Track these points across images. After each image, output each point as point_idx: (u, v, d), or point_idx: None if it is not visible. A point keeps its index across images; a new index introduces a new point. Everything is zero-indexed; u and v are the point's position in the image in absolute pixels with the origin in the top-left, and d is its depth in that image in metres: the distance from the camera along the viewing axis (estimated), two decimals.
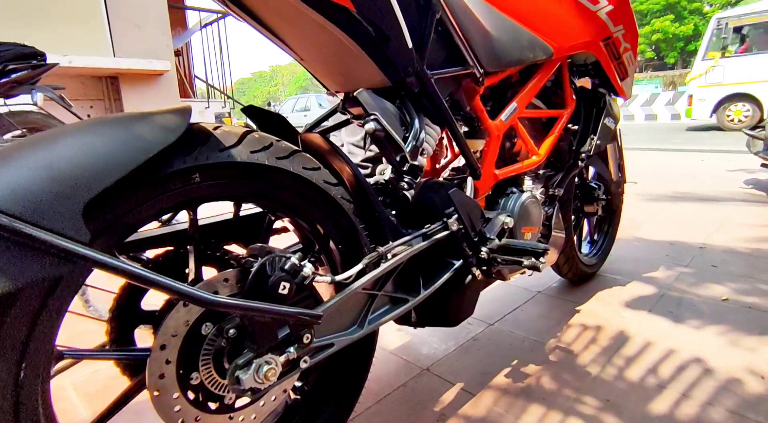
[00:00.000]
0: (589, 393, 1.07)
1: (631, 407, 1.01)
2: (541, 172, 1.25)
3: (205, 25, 6.48)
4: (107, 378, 1.17)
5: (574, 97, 1.26)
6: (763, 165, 3.36)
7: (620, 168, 1.65)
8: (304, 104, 13.51)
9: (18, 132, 3.20)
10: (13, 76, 3.20)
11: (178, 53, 6.21)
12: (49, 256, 0.45)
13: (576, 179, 1.52)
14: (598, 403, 1.03)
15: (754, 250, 2.01)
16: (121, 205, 0.52)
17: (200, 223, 0.70)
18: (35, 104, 3.35)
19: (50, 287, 0.48)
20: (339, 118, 0.99)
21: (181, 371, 0.60)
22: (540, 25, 1.05)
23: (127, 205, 0.53)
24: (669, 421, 0.97)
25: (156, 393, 0.58)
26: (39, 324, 0.48)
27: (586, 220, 1.74)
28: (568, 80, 1.23)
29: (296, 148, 0.71)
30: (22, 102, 3.34)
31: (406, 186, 0.79)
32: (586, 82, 1.37)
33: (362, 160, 1.97)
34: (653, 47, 27.92)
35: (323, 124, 1.00)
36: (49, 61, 3.45)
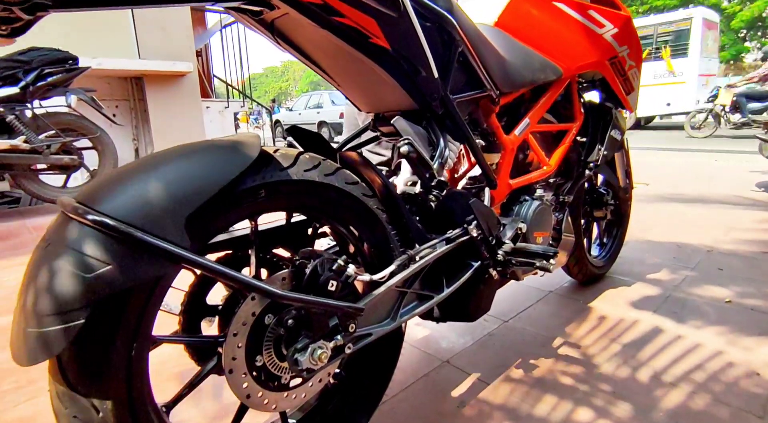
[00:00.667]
0: (597, 385, 1.17)
1: (637, 399, 1.11)
2: (551, 180, 1.35)
3: (225, 26, 6.65)
4: (158, 363, 1.31)
5: (582, 111, 1.36)
6: None
7: (627, 175, 1.74)
8: (317, 101, 13.59)
9: (52, 132, 3.37)
10: (49, 79, 3.39)
11: (197, 54, 6.39)
12: (158, 258, 0.57)
13: (586, 185, 1.62)
14: (605, 395, 1.13)
15: (761, 254, 2.09)
16: (208, 217, 0.64)
17: (259, 229, 0.82)
18: (69, 106, 3.54)
19: (155, 284, 0.61)
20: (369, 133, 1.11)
21: (248, 354, 0.72)
22: (550, 48, 1.15)
23: (212, 217, 0.65)
24: (671, 411, 1.07)
25: (230, 372, 0.70)
26: (146, 314, 0.61)
27: (595, 224, 1.83)
28: (577, 96, 1.33)
29: (339, 166, 0.82)
30: (56, 104, 3.52)
31: (433, 199, 0.91)
32: (594, 97, 1.46)
33: (377, 164, 2.10)
34: None
35: (356, 140, 1.12)
36: (80, 64, 3.64)
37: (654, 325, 1.47)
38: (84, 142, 3.57)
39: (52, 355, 0.52)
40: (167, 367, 1.28)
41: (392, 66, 0.84)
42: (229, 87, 6.50)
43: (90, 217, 0.54)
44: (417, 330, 1.47)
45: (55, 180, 3.50)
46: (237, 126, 7.39)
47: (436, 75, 0.88)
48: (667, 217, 2.80)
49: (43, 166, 3.40)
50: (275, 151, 0.75)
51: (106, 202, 0.57)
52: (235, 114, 6.48)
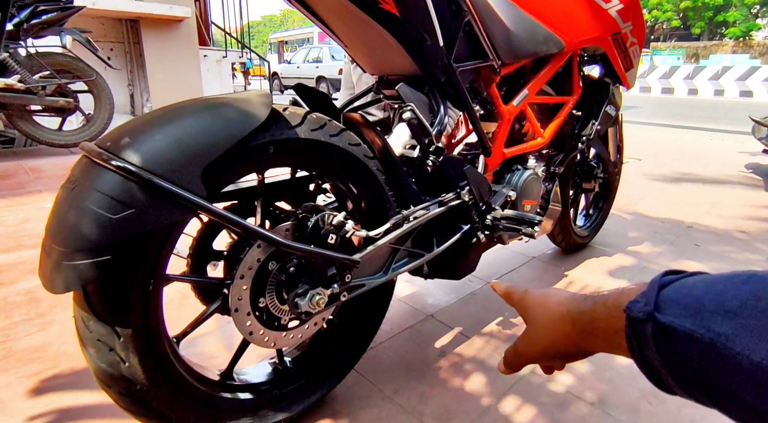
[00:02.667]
0: None
1: (598, 357, 1.21)
2: (544, 151, 1.40)
3: None
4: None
5: (581, 84, 1.40)
6: (764, 151, 3.48)
7: (619, 150, 1.79)
8: (317, 55, 13.23)
9: (47, 72, 3.32)
10: (44, 17, 3.31)
11: None
12: (177, 205, 0.63)
13: (578, 157, 1.67)
14: None
15: (738, 233, 2.18)
16: (221, 169, 0.69)
17: (266, 182, 0.87)
18: (64, 46, 3.46)
19: (171, 228, 0.66)
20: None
21: (252, 296, 0.79)
22: (555, 21, 1.17)
23: (224, 169, 0.70)
24: (628, 368, 1.17)
25: (235, 311, 0.77)
26: (162, 253, 0.67)
27: (583, 195, 1.90)
28: (577, 70, 1.36)
29: (343, 127, 0.87)
30: (49, 43, 3.43)
31: (430, 164, 0.96)
32: (593, 71, 1.49)
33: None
34: (680, 15, 26.90)
35: (358, 100, 1.15)
36: (75, 3, 3.53)
37: None
38: (79, 85, 3.51)
39: (82, 285, 0.58)
40: (168, 308, 1.36)
41: (400, 32, 0.87)
42: (227, 35, 6.32)
43: (114, 162, 0.59)
44: (405, 286, 1.56)
45: (49, 122, 3.47)
46: (233, 76, 7.25)
47: (441, 43, 0.91)
48: (654, 192, 2.87)
49: (38, 107, 3.36)
50: (284, 110, 0.79)
51: (128, 150, 0.61)
52: (232, 64, 6.34)
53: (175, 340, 0.77)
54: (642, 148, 4.36)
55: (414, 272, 1.11)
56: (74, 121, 3.76)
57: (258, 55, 6.92)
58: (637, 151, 4.19)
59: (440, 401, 1.04)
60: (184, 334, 0.80)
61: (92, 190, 0.59)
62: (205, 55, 5.51)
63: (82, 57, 3.52)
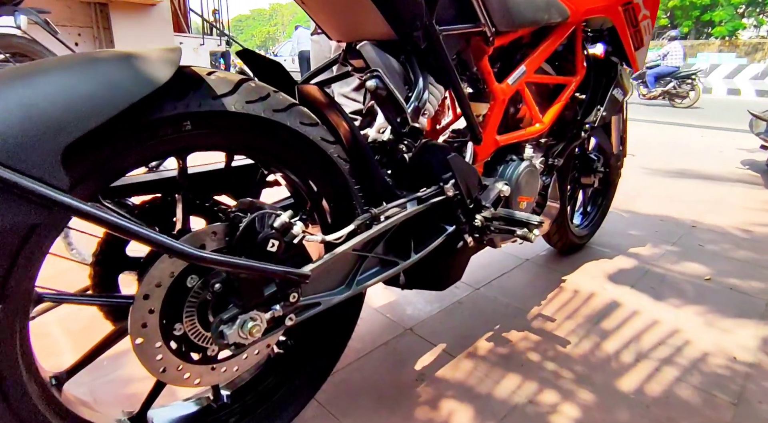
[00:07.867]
0: (564, 364, 1.09)
1: (603, 381, 1.04)
2: (542, 140, 1.22)
3: None
4: (92, 316, 1.18)
5: (585, 64, 1.21)
6: (762, 146, 3.35)
7: (622, 141, 1.63)
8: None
9: (1, 56, 3.05)
10: None
11: None
12: (25, 201, 0.43)
13: (576, 149, 1.50)
14: (572, 375, 1.06)
15: (743, 232, 2.04)
16: (105, 150, 0.49)
17: (190, 171, 0.67)
18: (18, 28, 3.19)
19: (27, 232, 0.46)
20: (338, 68, 0.95)
21: (164, 321, 0.59)
22: None
23: (111, 150, 0.50)
24: (637, 395, 1.00)
25: (138, 341, 0.57)
26: (16, 267, 0.47)
27: (581, 191, 1.73)
28: (581, 46, 1.18)
29: (294, 101, 0.67)
30: (5, 24, 3.16)
31: (404, 149, 0.77)
32: (598, 50, 1.31)
33: (351, 112, 1.90)
34: (668, 14, 27.07)
35: (322, 74, 0.96)
36: None
37: (630, 301, 1.39)
38: None
39: None
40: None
41: None
42: (206, 22, 6.05)
43: None
44: (381, 293, 1.37)
45: None
46: (213, 66, 6.96)
47: None
48: (651, 189, 2.72)
49: None
50: (209, 74, 0.59)
51: None
52: (212, 53, 6.06)
53: (54, 381, 0.57)
54: (633, 144, 4.20)
55: (388, 282, 0.92)
56: None
57: (236, 41, 6.64)
58: (630, 146, 4.02)
59: None
60: (72, 370, 0.60)
61: None
62: (180, 43, 5.24)
63: (44, 41, 3.25)
